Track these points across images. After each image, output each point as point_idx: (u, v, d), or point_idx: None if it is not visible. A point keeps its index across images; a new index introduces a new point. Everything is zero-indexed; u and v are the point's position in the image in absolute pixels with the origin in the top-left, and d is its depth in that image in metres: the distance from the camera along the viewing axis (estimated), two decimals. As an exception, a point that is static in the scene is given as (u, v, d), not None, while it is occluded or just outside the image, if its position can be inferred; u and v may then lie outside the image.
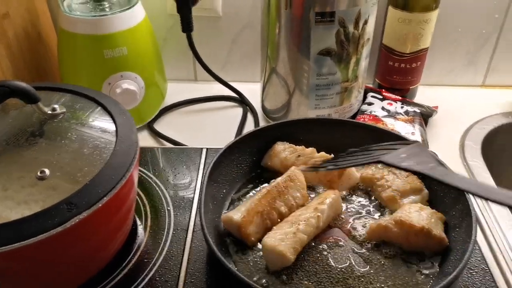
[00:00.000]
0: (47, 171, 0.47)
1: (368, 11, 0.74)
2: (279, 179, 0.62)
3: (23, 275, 0.47)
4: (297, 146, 0.68)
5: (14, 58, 0.80)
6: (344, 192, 0.65)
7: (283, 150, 0.68)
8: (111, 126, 0.54)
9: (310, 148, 0.67)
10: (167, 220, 0.62)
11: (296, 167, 0.64)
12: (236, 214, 0.57)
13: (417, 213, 0.57)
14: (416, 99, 0.95)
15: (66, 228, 0.44)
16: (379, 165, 0.67)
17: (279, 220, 0.59)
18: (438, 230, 0.56)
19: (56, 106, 0.53)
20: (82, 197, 0.45)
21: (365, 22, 0.75)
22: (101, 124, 0.54)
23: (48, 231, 0.43)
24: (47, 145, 0.50)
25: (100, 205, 0.46)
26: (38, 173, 0.46)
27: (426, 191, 0.63)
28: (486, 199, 0.42)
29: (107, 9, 0.79)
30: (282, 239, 0.54)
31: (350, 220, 0.61)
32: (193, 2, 0.83)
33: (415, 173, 0.47)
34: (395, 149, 0.52)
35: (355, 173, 0.65)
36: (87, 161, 0.49)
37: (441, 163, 0.47)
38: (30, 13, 0.85)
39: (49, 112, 0.53)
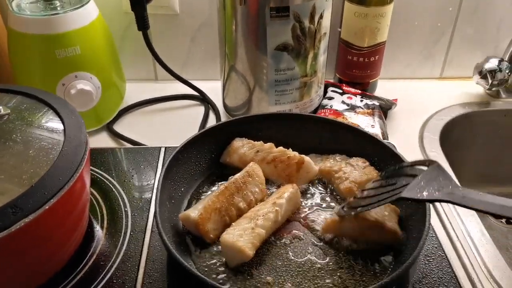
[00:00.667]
0: (-11, 174, 0.45)
1: (323, 5, 0.75)
2: (237, 175, 0.61)
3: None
4: (256, 142, 0.68)
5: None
6: (303, 186, 0.65)
7: (241, 146, 0.67)
8: (59, 127, 0.52)
9: (268, 143, 0.67)
10: (124, 221, 0.61)
11: (254, 163, 0.63)
12: (194, 211, 0.56)
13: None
14: (376, 93, 0.96)
15: (11, 232, 0.42)
16: (337, 157, 0.67)
17: (238, 216, 0.58)
18: (391, 223, 0.56)
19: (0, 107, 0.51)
20: (28, 200, 0.44)
21: (321, 17, 0.75)
22: (48, 124, 0.53)
23: (-9, 236, 0.41)
24: (-10, 147, 0.48)
25: (47, 207, 0.44)
26: (-20, 177, 0.44)
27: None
28: (505, 217, 0.43)
29: (58, 8, 0.77)
30: (241, 234, 0.53)
31: (310, 214, 0.61)
32: (147, -1, 0.82)
33: (437, 201, 0.49)
34: (413, 175, 0.52)
35: (314, 166, 0.65)
36: (33, 163, 0.47)
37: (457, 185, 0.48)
38: (-22, 13, 0.81)
39: (-8, 113, 0.51)
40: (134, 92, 0.95)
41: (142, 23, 0.83)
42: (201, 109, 0.94)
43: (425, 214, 0.53)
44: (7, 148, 0.48)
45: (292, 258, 0.55)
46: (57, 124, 0.53)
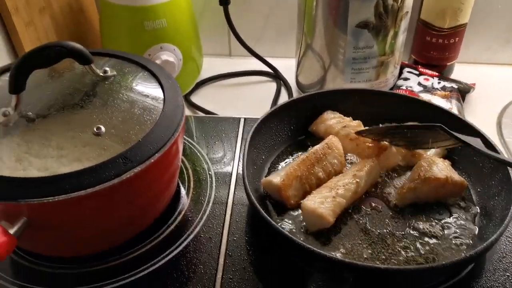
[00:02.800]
0: (102, 128, 0.49)
1: (408, -17, 0.74)
2: (317, 146, 0.63)
3: (74, 227, 0.50)
4: (345, 117, 0.69)
5: (59, 30, 0.83)
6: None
7: (331, 118, 0.69)
8: (158, 89, 0.56)
9: (357, 121, 0.68)
10: (209, 181, 0.65)
11: (334, 136, 0.65)
12: (276, 177, 0.59)
13: (435, 167, 0.59)
14: (453, 76, 0.94)
15: (122, 181, 0.46)
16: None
17: (317, 185, 0.60)
18: (456, 175, 0.60)
19: (107, 68, 0.56)
20: (136, 152, 0.48)
21: (405, -6, 0.75)
22: (148, 87, 0.57)
23: (105, 182, 0.45)
24: (100, 105, 0.53)
25: (152, 160, 0.48)
26: (95, 129, 0.49)
27: None
28: None
29: (148, -19, 0.81)
30: (322, 202, 0.55)
31: (386, 186, 0.62)
32: (231, -25, 0.84)
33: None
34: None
35: (396, 155, 0.64)
36: (138, 121, 0.52)
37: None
38: (73, -15, 0.87)
39: (101, 74, 0.55)
40: (209, 66, 0.99)
41: (225, -2, 0.86)
42: (273, 85, 0.96)
43: (510, 194, 0.53)
44: (116, 106, 0.53)
45: (369, 228, 0.57)
46: (156, 87, 0.56)
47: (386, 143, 0.64)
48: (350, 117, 0.70)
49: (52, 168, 0.48)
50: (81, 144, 0.50)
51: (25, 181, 0.44)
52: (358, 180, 0.58)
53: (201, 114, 0.86)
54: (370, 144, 0.64)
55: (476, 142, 0.53)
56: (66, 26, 0.86)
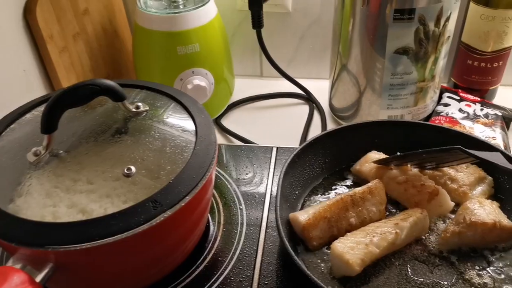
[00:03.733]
0: (133, 169, 0.48)
1: (450, 7, 0.70)
2: (357, 189, 0.59)
3: (105, 272, 0.49)
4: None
5: (93, 54, 0.83)
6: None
7: (376, 159, 0.65)
8: (190, 125, 0.54)
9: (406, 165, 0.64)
10: (239, 218, 0.63)
11: (379, 181, 0.61)
12: (303, 215, 0.56)
13: (481, 209, 0.55)
14: (495, 101, 0.89)
15: (152, 226, 0.44)
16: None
17: (346, 231, 0.57)
18: (506, 220, 0.55)
19: (139, 104, 0.55)
20: (166, 195, 0.46)
21: (447, 19, 0.71)
22: (181, 122, 0.55)
23: (134, 228, 0.44)
24: (132, 142, 0.52)
25: (183, 204, 0.46)
26: (125, 170, 0.48)
27: (490, 178, 0.63)
28: None
29: (181, 6, 0.80)
30: (352, 247, 0.52)
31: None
32: (264, -2, 0.83)
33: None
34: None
35: (449, 201, 0.60)
36: (169, 160, 0.50)
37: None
38: (108, 9, 0.87)
39: (133, 109, 0.54)
40: (240, 87, 0.97)
41: (258, 22, 0.84)
42: (305, 108, 0.94)
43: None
44: (146, 143, 0.51)
45: (411, 276, 0.53)
46: (188, 122, 0.55)
47: (438, 187, 0.59)
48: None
49: (81, 205, 0.47)
50: (111, 179, 0.48)
51: (53, 227, 0.43)
52: (398, 230, 0.54)
53: (229, 141, 0.85)
54: (419, 189, 0.59)
55: (495, 157, 0.51)
56: (100, 49, 0.86)
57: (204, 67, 0.82)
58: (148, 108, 0.55)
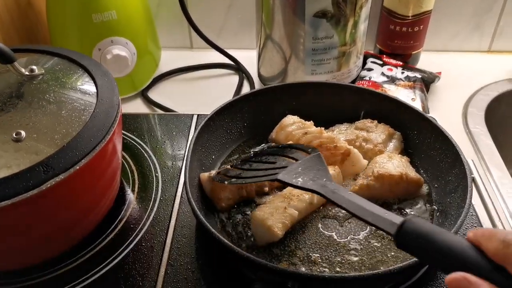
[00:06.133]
0: (23, 133, 0.45)
1: (366, -31, 0.71)
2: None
3: (1, 240, 0.46)
4: (306, 122, 0.64)
5: (3, 25, 0.78)
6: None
7: (291, 124, 0.64)
8: (92, 88, 0.52)
9: (318, 128, 0.63)
10: (155, 186, 0.61)
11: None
12: (211, 174, 0.55)
13: (390, 163, 0.57)
14: (419, 65, 0.91)
15: (42, 191, 0.42)
16: (342, 127, 0.66)
17: (257, 194, 0.57)
18: (413, 172, 0.57)
19: (34, 67, 0.52)
20: (59, 159, 0.44)
21: (363, -19, 0.72)
22: (81, 86, 0.53)
23: (23, 194, 0.41)
24: (24, 107, 0.49)
25: (77, 167, 0.44)
26: (14, 135, 0.45)
27: (398, 132, 0.64)
28: (363, 220, 0.41)
29: (95, -29, 0.76)
30: (272, 213, 0.52)
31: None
32: (184, -37, 0.80)
33: (309, 191, 0.48)
34: (295, 159, 0.52)
35: (361, 160, 0.60)
36: (66, 123, 0.48)
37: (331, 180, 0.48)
38: (17, -23, 0.82)
39: (27, 73, 0.51)
40: (169, 59, 0.95)
41: (179, -12, 0.82)
42: (235, 78, 0.92)
43: (465, 190, 0.50)
44: (40, 107, 0.48)
45: (321, 231, 0.54)
46: (90, 86, 0.52)
47: (350, 147, 0.60)
48: (311, 121, 0.65)
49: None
50: (6, 148, 0.45)
51: None
52: None
53: (157, 111, 0.82)
54: (332, 151, 0.60)
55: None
56: (12, 22, 0.81)
57: (123, 36, 0.79)
58: (43, 71, 0.52)
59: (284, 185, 0.51)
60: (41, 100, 0.49)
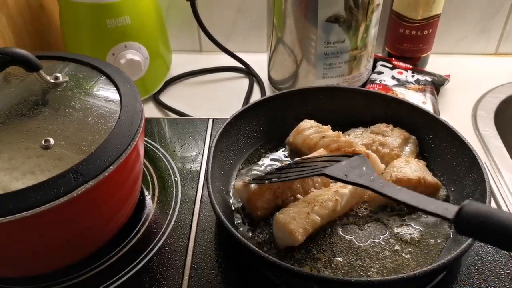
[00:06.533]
0: (51, 140, 0.46)
1: (378, -25, 0.72)
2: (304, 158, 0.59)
3: (29, 246, 0.47)
4: (324, 126, 0.65)
5: (16, 29, 0.79)
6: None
7: (308, 128, 0.65)
8: (115, 95, 0.53)
9: (336, 132, 0.64)
10: (174, 190, 0.62)
11: (325, 150, 0.61)
12: (250, 184, 0.56)
13: (407, 167, 0.58)
14: (427, 68, 0.92)
15: (73, 198, 0.43)
16: (357, 131, 0.67)
17: (292, 202, 0.57)
18: (430, 176, 0.58)
19: (58, 74, 0.52)
20: (88, 166, 0.44)
21: (376, -13, 0.73)
22: (105, 93, 0.53)
23: (54, 201, 0.42)
24: (51, 114, 0.49)
25: (106, 174, 0.45)
26: (43, 142, 0.45)
27: (413, 136, 0.65)
28: (419, 209, 0.43)
29: (109, -23, 0.77)
30: (294, 217, 0.52)
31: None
32: (197, -32, 0.81)
33: (357, 185, 0.49)
34: (338, 161, 0.53)
35: (379, 164, 0.60)
36: (92, 131, 0.48)
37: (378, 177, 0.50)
38: (30, -18, 0.82)
39: (52, 80, 0.52)
40: (179, 63, 0.95)
41: (191, -7, 0.82)
42: (245, 82, 0.93)
43: (484, 194, 0.51)
44: (67, 115, 0.49)
45: (342, 235, 0.55)
46: (113, 93, 0.53)
47: (368, 151, 0.60)
48: (328, 125, 0.66)
49: (3, 183, 0.44)
50: (34, 155, 0.46)
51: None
52: (338, 198, 0.54)
53: (169, 115, 0.83)
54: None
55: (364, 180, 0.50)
56: (25, 24, 0.81)
57: (137, 40, 0.79)
58: (68, 79, 0.53)
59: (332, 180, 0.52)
60: (67, 107, 0.50)
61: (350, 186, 0.56)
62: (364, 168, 0.51)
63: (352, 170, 0.50)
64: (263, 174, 0.58)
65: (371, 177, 0.49)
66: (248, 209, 0.56)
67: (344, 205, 0.55)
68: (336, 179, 0.50)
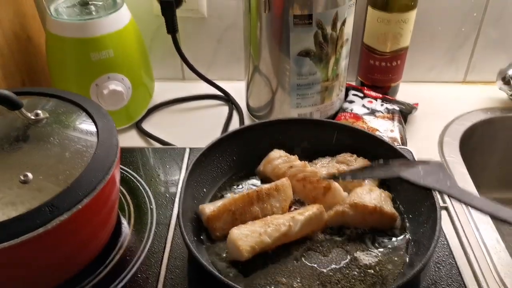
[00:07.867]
0: (29, 175, 0.49)
1: (345, 12, 0.76)
2: (265, 186, 0.63)
3: (3, 276, 0.50)
4: (291, 156, 0.69)
5: (4, 61, 0.82)
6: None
7: (277, 157, 0.68)
8: (92, 130, 0.56)
9: (302, 162, 0.68)
10: (149, 218, 0.65)
11: (287, 179, 0.64)
12: (209, 207, 0.60)
13: (368, 195, 0.62)
14: (398, 96, 0.97)
15: (48, 230, 0.46)
16: (323, 161, 0.71)
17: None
18: (388, 207, 0.61)
19: (39, 111, 0.56)
20: (64, 199, 0.48)
21: (343, 23, 0.77)
22: (83, 127, 0.57)
23: (29, 233, 0.45)
24: (31, 149, 0.53)
25: (80, 206, 0.48)
26: (21, 177, 0.49)
27: None
28: (495, 216, 0.46)
29: (93, 13, 0.81)
30: (247, 235, 0.56)
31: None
32: (177, 4, 0.85)
33: (433, 189, 0.53)
34: (413, 166, 0.56)
35: (341, 193, 0.64)
36: (69, 165, 0.52)
37: (456, 183, 0.53)
38: (19, 16, 0.86)
39: (32, 117, 0.55)
40: (162, 90, 0.99)
41: (172, 27, 0.87)
42: (225, 109, 0.97)
43: (435, 223, 0.55)
44: (45, 149, 0.53)
45: (304, 262, 0.58)
46: (90, 127, 0.57)
47: (330, 181, 0.64)
48: (296, 155, 0.69)
49: (-16, 214, 0.48)
50: (16, 187, 0.49)
51: None
52: (292, 223, 0.58)
53: (149, 144, 0.87)
54: (315, 185, 0.64)
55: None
56: (12, 56, 0.85)
57: (120, 72, 0.83)
58: (48, 115, 0.56)
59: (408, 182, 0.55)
60: (47, 142, 0.53)
61: (306, 214, 0.59)
62: (440, 175, 0.53)
63: (428, 175, 0.53)
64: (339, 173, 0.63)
65: (448, 183, 0.51)
66: (208, 230, 0.60)
67: (298, 231, 0.59)
68: (411, 183, 0.53)
